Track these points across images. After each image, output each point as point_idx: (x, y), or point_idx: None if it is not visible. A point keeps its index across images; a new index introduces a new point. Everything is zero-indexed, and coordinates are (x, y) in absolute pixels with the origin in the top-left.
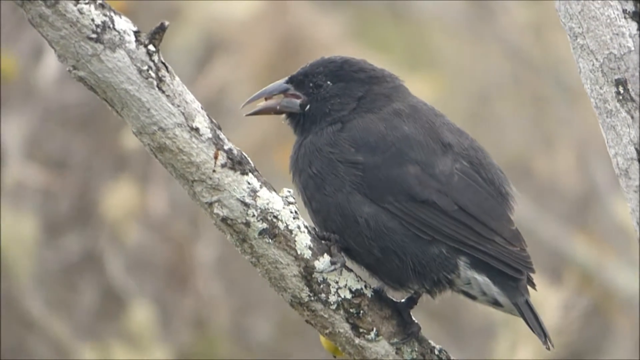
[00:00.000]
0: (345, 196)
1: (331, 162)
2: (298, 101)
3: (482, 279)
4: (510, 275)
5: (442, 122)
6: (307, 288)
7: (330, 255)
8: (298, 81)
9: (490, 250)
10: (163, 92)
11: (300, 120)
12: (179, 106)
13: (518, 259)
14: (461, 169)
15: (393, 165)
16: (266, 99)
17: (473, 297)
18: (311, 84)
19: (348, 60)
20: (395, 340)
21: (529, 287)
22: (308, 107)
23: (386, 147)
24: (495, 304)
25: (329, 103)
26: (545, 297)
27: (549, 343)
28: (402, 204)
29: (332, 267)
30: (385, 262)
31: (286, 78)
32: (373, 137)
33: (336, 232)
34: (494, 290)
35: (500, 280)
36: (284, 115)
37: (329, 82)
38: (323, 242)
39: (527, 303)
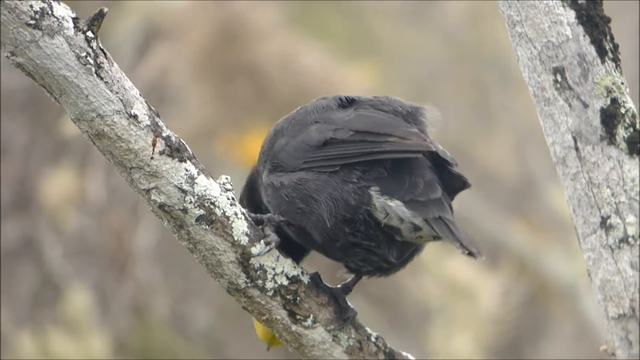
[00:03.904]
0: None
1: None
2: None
3: (394, 203)
4: (421, 201)
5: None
6: (244, 274)
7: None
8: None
9: (386, 147)
10: (101, 78)
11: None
12: (117, 93)
13: (415, 145)
14: (362, 111)
15: (297, 134)
16: None
17: (397, 231)
18: None
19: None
20: (332, 327)
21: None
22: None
23: (288, 124)
24: (416, 229)
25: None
26: (483, 284)
27: (471, 249)
28: (311, 157)
29: (267, 248)
30: (310, 214)
31: None
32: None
33: (275, 211)
34: (408, 213)
35: (410, 202)
36: None
37: None
38: (258, 227)
39: (442, 218)
